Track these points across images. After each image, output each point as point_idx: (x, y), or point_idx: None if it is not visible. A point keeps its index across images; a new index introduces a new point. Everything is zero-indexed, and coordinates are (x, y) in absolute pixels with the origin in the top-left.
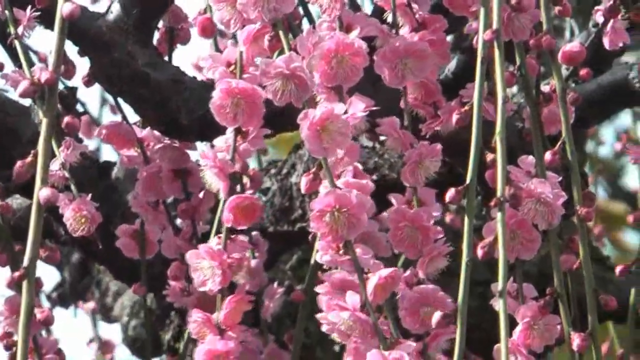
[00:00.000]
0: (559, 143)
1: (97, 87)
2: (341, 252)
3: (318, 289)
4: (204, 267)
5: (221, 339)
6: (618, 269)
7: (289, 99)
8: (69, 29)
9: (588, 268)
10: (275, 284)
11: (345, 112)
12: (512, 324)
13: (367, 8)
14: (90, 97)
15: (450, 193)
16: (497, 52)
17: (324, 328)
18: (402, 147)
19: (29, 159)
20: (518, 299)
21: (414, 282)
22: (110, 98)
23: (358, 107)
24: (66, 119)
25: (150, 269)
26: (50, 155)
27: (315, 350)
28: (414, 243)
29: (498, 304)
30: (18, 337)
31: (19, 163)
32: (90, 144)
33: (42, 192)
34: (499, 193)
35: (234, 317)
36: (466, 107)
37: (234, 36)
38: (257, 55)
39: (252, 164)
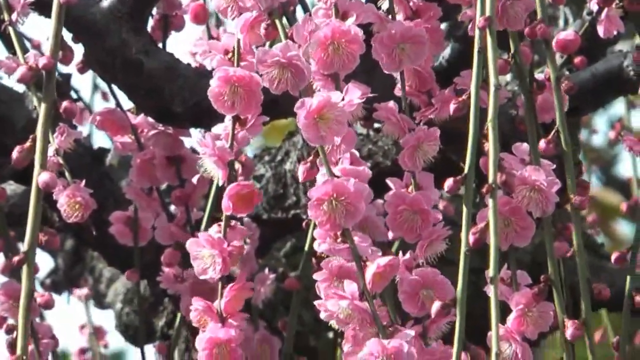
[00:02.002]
0: (553, 131)
1: (89, 74)
2: (339, 240)
3: (316, 276)
4: (205, 255)
5: (222, 327)
6: (614, 257)
7: (286, 88)
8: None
9: (582, 257)
10: (267, 270)
11: (342, 100)
12: (505, 311)
13: None
14: (83, 83)
15: (449, 183)
16: (489, 40)
17: (322, 315)
18: (400, 132)
19: (28, 144)
20: (512, 286)
21: (413, 266)
22: (102, 84)
23: (355, 94)
24: (64, 104)
25: (143, 255)
26: (48, 140)
27: (309, 337)
28: (412, 227)
29: (490, 291)
30: (19, 321)
31: (17, 148)
32: (83, 130)
33: (41, 177)
34: (490, 179)
35: (235, 305)
36: (463, 97)
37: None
38: (254, 43)
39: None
